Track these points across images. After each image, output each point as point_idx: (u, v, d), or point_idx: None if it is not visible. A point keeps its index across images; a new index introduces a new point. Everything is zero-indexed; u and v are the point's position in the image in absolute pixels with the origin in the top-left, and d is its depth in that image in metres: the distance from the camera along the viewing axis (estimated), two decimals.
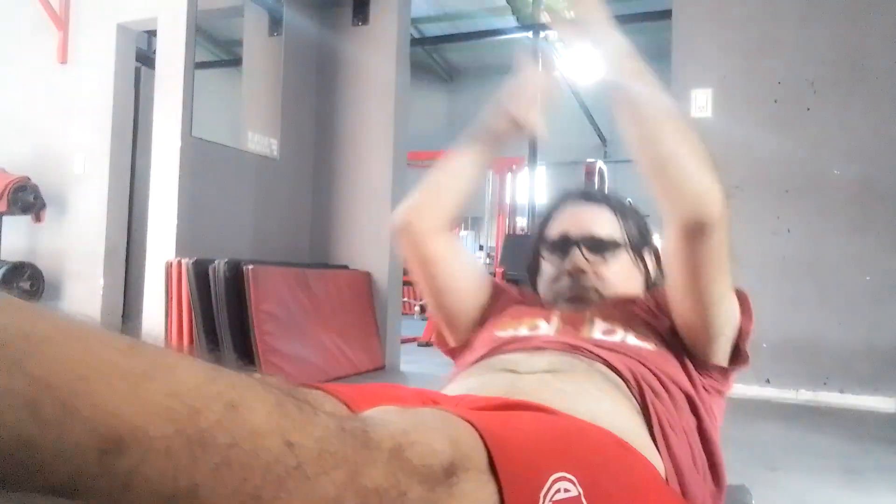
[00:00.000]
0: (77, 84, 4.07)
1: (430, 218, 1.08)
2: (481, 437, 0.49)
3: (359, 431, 0.41)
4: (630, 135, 0.87)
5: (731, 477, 0.88)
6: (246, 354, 3.10)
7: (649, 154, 0.86)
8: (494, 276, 3.74)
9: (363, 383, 0.75)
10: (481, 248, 9.25)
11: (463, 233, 10.23)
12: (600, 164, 7.36)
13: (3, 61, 4.37)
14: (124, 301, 4.11)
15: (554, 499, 0.49)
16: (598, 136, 11.67)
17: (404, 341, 4.52)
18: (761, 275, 3.26)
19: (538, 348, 0.89)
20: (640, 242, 1.11)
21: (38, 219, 4.05)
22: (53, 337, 0.34)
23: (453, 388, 0.86)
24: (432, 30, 9.58)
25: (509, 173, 8.87)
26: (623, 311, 1.00)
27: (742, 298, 0.93)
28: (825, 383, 3.18)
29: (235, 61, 4.03)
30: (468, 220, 10.37)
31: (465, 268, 1.15)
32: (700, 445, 0.86)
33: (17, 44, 4.33)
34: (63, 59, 4.13)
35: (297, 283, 3.50)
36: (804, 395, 3.20)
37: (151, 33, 4.32)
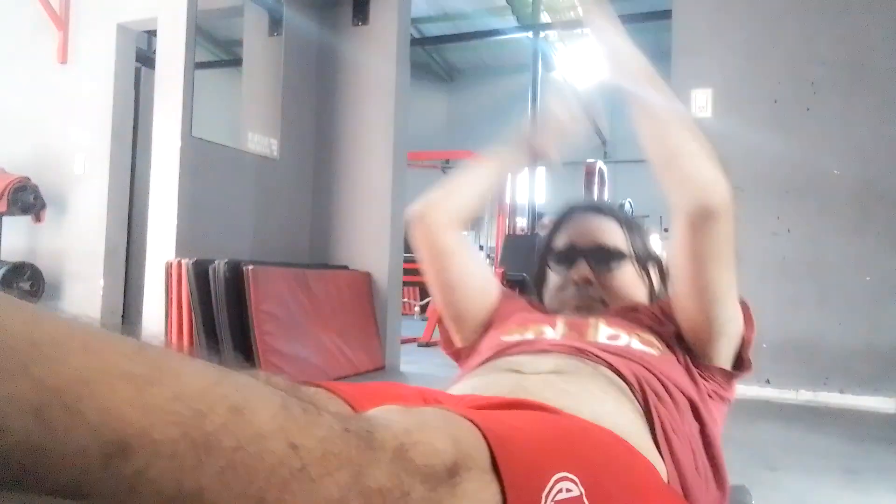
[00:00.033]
0: (77, 84, 4.07)
1: (446, 213, 1.12)
2: (484, 436, 0.49)
3: (363, 432, 0.41)
4: (641, 132, 0.93)
5: (731, 477, 0.88)
6: (246, 355, 3.10)
7: (659, 148, 0.91)
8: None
9: (365, 382, 0.75)
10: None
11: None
12: (600, 164, 7.37)
13: (3, 61, 4.37)
14: (124, 301, 4.12)
15: (556, 499, 0.49)
16: (598, 137, 11.68)
17: (404, 341, 4.52)
18: (761, 275, 3.26)
19: (544, 351, 0.90)
20: (645, 255, 1.14)
21: (38, 219, 4.05)
22: (58, 341, 0.34)
23: (458, 389, 0.86)
24: (432, 30, 9.59)
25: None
26: (628, 317, 1.01)
27: (743, 307, 0.95)
28: (825, 383, 3.18)
29: (235, 61, 4.03)
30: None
31: (476, 266, 1.17)
32: (703, 451, 0.86)
33: (17, 44, 4.32)
34: (63, 59, 4.13)
35: (297, 284, 3.50)
36: (804, 396, 3.20)
37: (151, 33, 4.32)
